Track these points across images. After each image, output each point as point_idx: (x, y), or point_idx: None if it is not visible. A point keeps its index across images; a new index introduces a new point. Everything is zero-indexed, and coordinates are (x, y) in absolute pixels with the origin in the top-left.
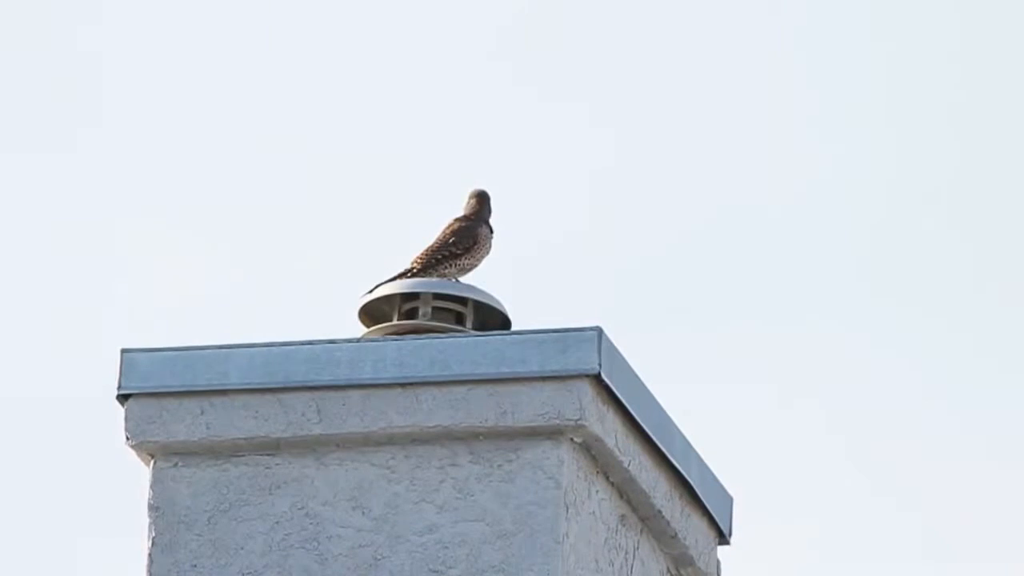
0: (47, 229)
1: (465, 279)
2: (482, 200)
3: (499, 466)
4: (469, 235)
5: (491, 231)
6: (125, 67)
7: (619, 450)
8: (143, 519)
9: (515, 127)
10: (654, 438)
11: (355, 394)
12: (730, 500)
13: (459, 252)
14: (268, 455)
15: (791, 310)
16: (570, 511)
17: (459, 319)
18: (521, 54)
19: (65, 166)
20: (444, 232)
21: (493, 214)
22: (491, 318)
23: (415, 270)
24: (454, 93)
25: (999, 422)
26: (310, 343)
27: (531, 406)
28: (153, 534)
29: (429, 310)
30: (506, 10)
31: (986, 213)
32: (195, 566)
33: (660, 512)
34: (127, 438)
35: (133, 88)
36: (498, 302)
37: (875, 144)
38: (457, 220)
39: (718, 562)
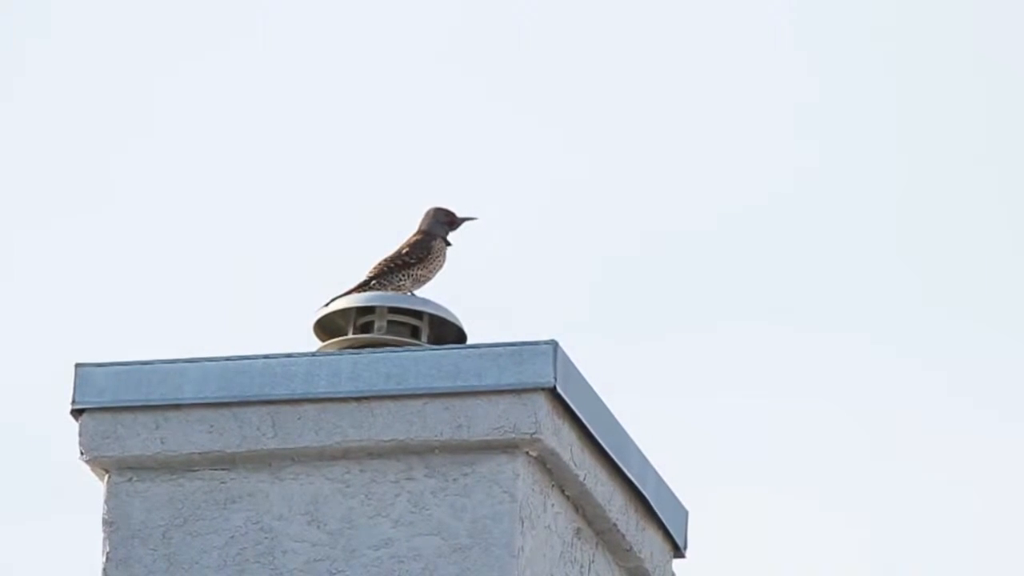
0: (7, 240)
1: (420, 293)
2: (432, 217)
3: (454, 480)
4: (423, 246)
5: (447, 244)
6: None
7: (574, 464)
8: (98, 534)
9: (478, 138)
10: (609, 452)
11: (310, 408)
12: (685, 513)
13: (412, 262)
14: (223, 470)
15: (753, 319)
16: (525, 525)
17: (415, 333)
18: (484, 62)
19: (35, 185)
20: (400, 245)
21: (456, 230)
22: (447, 332)
23: (369, 278)
24: (416, 103)
25: (998, 422)
26: (265, 357)
27: (487, 420)
28: (108, 549)
29: (384, 324)
30: (475, 22)
31: (981, 210)
32: None
33: (615, 526)
34: (81, 453)
35: (99, 107)
36: (454, 316)
37: (863, 145)
38: (414, 234)
39: (673, 575)
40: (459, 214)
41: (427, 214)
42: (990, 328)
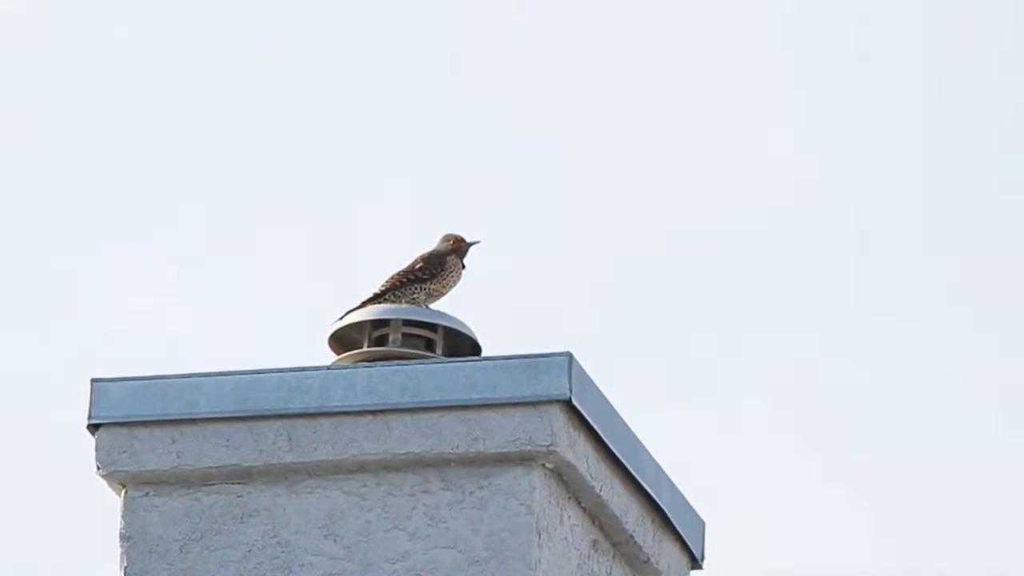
0: (16, 254)
1: (435, 306)
2: (447, 240)
3: (471, 493)
4: (437, 262)
5: (463, 265)
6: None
7: (590, 475)
8: (115, 549)
9: (489, 149)
10: (625, 463)
11: (326, 422)
12: (702, 524)
13: (425, 277)
14: (239, 484)
15: (751, 332)
16: (542, 537)
17: (429, 345)
18: (486, 77)
19: (29, 194)
20: (414, 259)
21: (464, 256)
22: (461, 344)
23: (380, 292)
24: (421, 117)
25: (966, 424)
26: (280, 371)
27: (502, 432)
28: (125, 564)
29: (399, 337)
30: (484, 29)
31: (957, 219)
32: None
33: (632, 537)
34: (98, 468)
35: (95, 111)
36: (468, 328)
37: (847, 162)
38: (429, 251)
39: None
40: (467, 239)
41: (440, 239)
42: None
